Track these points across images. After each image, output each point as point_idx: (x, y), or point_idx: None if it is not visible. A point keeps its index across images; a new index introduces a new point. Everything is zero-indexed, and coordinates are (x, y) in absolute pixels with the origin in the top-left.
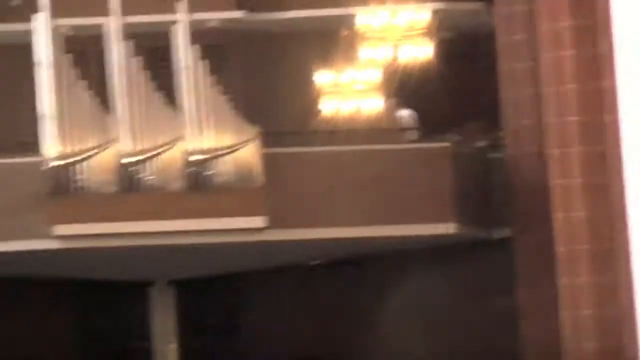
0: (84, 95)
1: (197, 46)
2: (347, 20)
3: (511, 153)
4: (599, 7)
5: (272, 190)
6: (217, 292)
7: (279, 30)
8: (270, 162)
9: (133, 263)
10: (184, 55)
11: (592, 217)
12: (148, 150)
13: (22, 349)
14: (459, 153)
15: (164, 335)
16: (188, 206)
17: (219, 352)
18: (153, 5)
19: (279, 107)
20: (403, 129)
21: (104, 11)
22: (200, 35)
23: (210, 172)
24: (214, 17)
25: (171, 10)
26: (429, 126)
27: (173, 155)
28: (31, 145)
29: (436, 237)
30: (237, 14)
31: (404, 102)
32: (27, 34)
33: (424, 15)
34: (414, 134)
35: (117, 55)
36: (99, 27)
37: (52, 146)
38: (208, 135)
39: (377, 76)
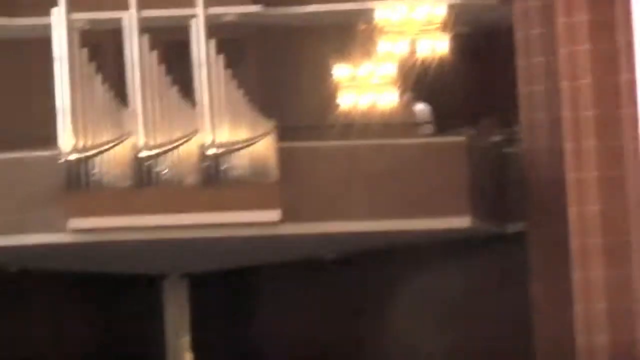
0: (100, 90)
1: (214, 40)
2: (365, 15)
3: (527, 147)
4: (617, 1)
5: (287, 184)
6: (230, 286)
7: (296, 25)
8: (285, 156)
9: (147, 256)
10: (201, 50)
11: (606, 211)
12: (164, 144)
13: (35, 342)
14: (474, 147)
15: (177, 328)
16: (203, 200)
17: (231, 346)
18: (169, 0)
19: (295, 101)
20: (419, 124)
21: (120, 5)
22: (216, 30)
23: (225, 166)
24: (230, 11)
25: (188, 4)
26: (444, 121)
27: (188, 149)
28: (47, 139)
29: (451, 232)
30: (253, 8)
31: (420, 96)
32: (44, 28)
33: (441, 10)
34: (430, 129)
35: (134, 50)
36: (115, 21)
37: (68, 140)
38: (224, 129)
39: (393, 70)
